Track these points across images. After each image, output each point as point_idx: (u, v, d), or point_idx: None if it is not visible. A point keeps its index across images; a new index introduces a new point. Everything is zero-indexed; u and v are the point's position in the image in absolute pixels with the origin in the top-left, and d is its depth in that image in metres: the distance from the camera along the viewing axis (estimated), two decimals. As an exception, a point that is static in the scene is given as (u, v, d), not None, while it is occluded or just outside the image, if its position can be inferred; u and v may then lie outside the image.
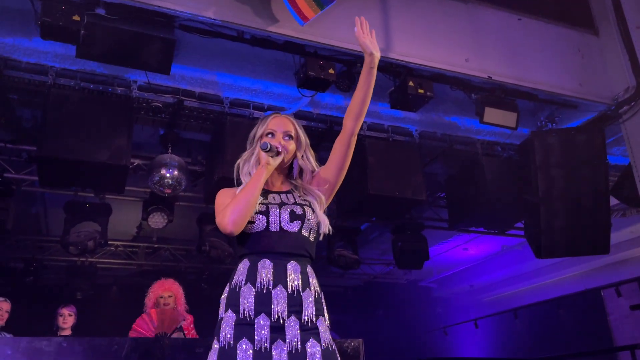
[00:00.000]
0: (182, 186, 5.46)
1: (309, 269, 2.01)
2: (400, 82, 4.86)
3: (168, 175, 5.33)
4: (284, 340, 1.83)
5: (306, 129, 6.06)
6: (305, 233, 2.01)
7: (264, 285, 1.90)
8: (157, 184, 5.36)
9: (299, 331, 1.86)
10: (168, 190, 5.43)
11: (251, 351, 1.80)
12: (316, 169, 2.23)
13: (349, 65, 4.77)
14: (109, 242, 7.28)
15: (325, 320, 1.99)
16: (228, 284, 2.00)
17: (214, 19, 4.18)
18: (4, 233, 5.38)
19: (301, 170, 2.20)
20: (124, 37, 4.08)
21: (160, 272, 7.01)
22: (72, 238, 5.77)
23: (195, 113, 5.31)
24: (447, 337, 11.00)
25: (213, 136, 5.51)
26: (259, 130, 2.16)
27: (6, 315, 4.89)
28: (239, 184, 2.17)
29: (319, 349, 1.86)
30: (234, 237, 2.01)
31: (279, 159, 2.06)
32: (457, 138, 6.03)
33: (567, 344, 8.62)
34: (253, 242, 1.98)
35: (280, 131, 2.14)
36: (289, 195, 2.11)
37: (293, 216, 2.00)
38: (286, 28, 4.33)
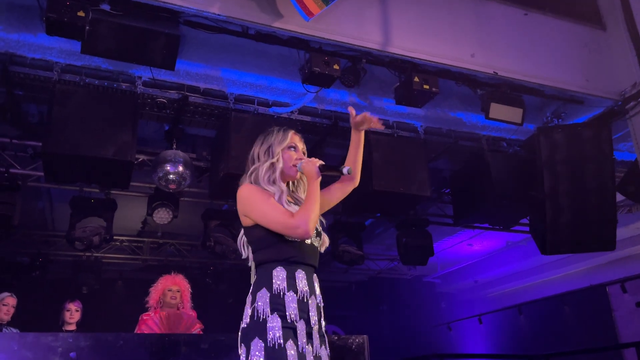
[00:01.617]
0: (186, 182, 5.47)
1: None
2: (406, 77, 4.85)
3: (173, 171, 5.34)
4: (312, 346, 2.09)
5: (311, 125, 6.09)
6: (321, 249, 2.29)
7: (303, 294, 2.12)
8: (162, 179, 5.36)
9: (318, 338, 2.14)
10: (173, 186, 5.43)
11: (295, 353, 1.99)
12: None
13: (354, 60, 4.75)
14: (114, 238, 7.30)
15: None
16: (264, 289, 2.10)
17: (218, 15, 4.17)
18: (10, 228, 5.39)
19: (299, 182, 2.41)
20: (128, 32, 4.08)
21: (165, 267, 7.05)
22: (78, 233, 5.79)
23: (200, 109, 5.31)
24: (452, 332, 11.01)
25: (218, 132, 5.51)
26: (280, 142, 2.32)
27: (12, 310, 4.92)
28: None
29: (327, 355, 2.16)
30: (268, 237, 2.15)
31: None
32: (462, 134, 6.01)
33: (571, 340, 8.60)
34: (290, 251, 2.15)
35: (300, 147, 2.37)
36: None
37: (317, 232, 2.25)
38: (291, 23, 4.32)
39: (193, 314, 4.61)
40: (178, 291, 4.57)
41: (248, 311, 2.11)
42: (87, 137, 4.50)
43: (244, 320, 2.11)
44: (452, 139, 6.03)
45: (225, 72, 5.03)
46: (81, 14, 3.78)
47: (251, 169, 2.34)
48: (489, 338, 10.62)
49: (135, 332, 4.33)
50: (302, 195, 2.36)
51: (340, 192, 2.43)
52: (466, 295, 11.64)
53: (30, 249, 7.91)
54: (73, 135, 4.46)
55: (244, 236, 2.31)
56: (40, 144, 5.01)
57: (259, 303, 2.07)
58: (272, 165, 2.28)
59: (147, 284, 4.68)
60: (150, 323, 4.34)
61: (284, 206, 2.17)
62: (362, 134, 2.47)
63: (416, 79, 4.77)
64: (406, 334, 10.07)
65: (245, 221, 2.25)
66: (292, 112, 5.37)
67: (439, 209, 7.30)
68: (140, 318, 4.41)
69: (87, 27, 3.86)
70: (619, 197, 5.84)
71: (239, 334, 2.12)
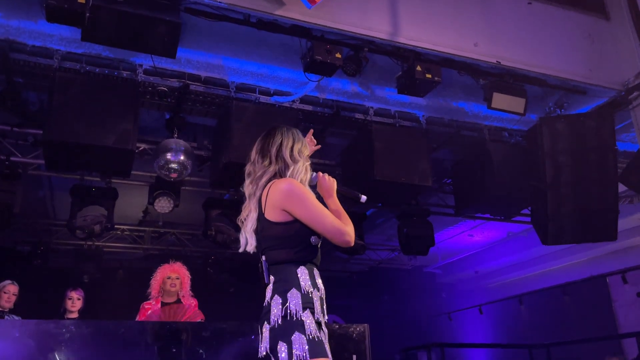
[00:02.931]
0: (187, 171, 5.46)
1: None
2: (408, 66, 4.82)
3: (174, 159, 5.32)
4: (325, 336, 2.21)
5: (312, 114, 6.06)
6: None
7: (322, 292, 2.26)
8: (163, 168, 5.35)
9: (326, 329, 2.26)
10: (174, 175, 5.42)
11: (327, 344, 2.16)
12: None
13: (355, 49, 4.72)
14: (115, 226, 7.31)
15: None
16: (294, 288, 2.18)
17: (219, 2, 4.14)
18: (10, 217, 5.39)
19: None
20: (129, 20, 4.05)
21: (166, 256, 7.04)
22: (79, 222, 5.78)
23: (201, 97, 5.29)
24: (452, 322, 11.05)
25: (219, 121, 5.49)
26: (305, 147, 2.43)
27: (14, 298, 4.93)
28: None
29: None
30: (294, 238, 2.23)
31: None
32: (464, 124, 5.99)
33: (572, 331, 8.63)
34: (312, 254, 2.27)
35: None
36: None
37: None
38: (293, 11, 4.29)
39: (194, 302, 4.62)
40: (177, 278, 4.58)
41: (279, 311, 2.15)
42: (87, 126, 4.49)
43: (274, 320, 2.14)
44: (454, 129, 6.01)
45: (227, 61, 5.00)
46: (82, 1, 3.74)
47: (289, 163, 2.34)
48: (490, 328, 10.66)
49: (136, 320, 4.34)
50: None
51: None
52: (467, 286, 11.66)
53: (31, 237, 7.93)
54: (74, 124, 4.45)
55: (263, 229, 2.29)
56: (41, 132, 5.00)
57: (292, 304, 2.15)
58: (307, 168, 2.38)
59: (148, 273, 4.69)
60: (151, 312, 4.35)
61: None
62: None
63: (418, 68, 4.74)
64: (407, 323, 10.11)
65: (278, 215, 2.24)
66: (293, 101, 5.35)
67: (440, 199, 7.29)
68: (141, 306, 4.43)
69: (88, 14, 3.83)
70: (621, 187, 5.83)
71: (268, 333, 2.14)
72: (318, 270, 2.30)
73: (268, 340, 2.13)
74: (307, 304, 2.16)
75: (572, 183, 5.35)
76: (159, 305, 4.46)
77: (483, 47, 4.98)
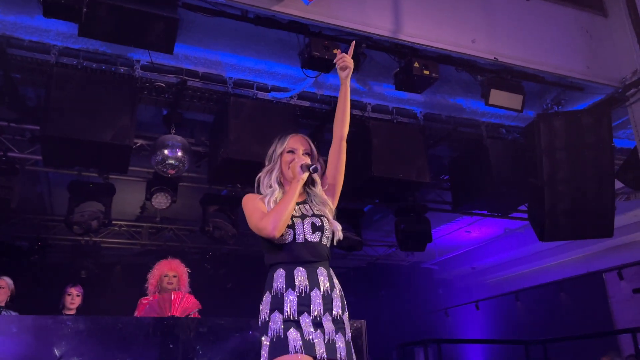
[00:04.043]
0: (185, 167, 5.45)
1: (332, 271, 2.37)
2: (406, 63, 4.81)
3: (171, 155, 5.32)
4: (323, 332, 2.18)
5: (310, 110, 6.04)
6: (324, 242, 2.35)
7: (302, 289, 2.23)
8: (161, 164, 5.35)
9: (332, 325, 2.23)
10: (171, 171, 5.42)
11: (300, 341, 2.12)
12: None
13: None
14: (113, 222, 7.30)
15: (347, 314, 2.34)
16: (267, 292, 2.28)
17: (217, -2, 4.13)
18: (8, 212, 5.39)
19: (313, 180, 2.51)
20: (126, 15, 4.03)
21: (163, 252, 7.05)
22: (76, 218, 5.78)
23: (199, 93, 5.27)
24: (449, 318, 11.08)
25: (216, 117, 5.49)
26: (278, 148, 2.50)
27: (7, 293, 4.85)
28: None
29: (342, 341, 2.22)
30: (265, 243, 2.34)
31: (307, 175, 2.39)
32: (461, 120, 5.99)
33: (568, 327, 8.67)
34: (283, 253, 2.30)
35: (301, 149, 2.48)
36: (306, 206, 2.42)
37: (314, 228, 2.33)
38: (291, 7, 4.28)
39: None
40: (175, 276, 4.57)
41: (259, 317, 2.28)
42: (85, 121, 4.48)
43: (259, 326, 2.28)
44: (452, 125, 6.01)
45: (224, 57, 4.99)
46: (78, -5, 3.73)
47: (257, 176, 2.52)
48: (486, 324, 10.69)
49: (134, 316, 4.34)
50: (318, 189, 2.49)
51: (335, 154, 2.53)
52: (463, 282, 11.69)
53: (28, 233, 7.92)
54: (71, 119, 4.44)
55: None
56: (38, 127, 4.98)
57: (263, 306, 2.27)
58: (269, 171, 2.49)
59: (146, 269, 4.68)
60: (149, 307, 4.35)
61: (270, 206, 2.33)
62: (347, 82, 2.52)
63: (416, 65, 4.73)
64: (404, 319, 10.14)
65: None
66: (291, 97, 5.35)
67: (438, 196, 7.30)
68: (139, 302, 4.43)
69: (85, 10, 3.81)
70: (618, 184, 5.85)
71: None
72: (307, 266, 2.28)
73: None
74: (276, 305, 2.21)
75: (569, 180, 5.36)
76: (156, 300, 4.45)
77: (481, 43, 4.98)
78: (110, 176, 5.98)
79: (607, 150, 5.39)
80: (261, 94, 5.30)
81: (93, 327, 3.35)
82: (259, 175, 2.51)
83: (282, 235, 2.27)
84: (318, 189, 2.49)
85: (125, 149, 4.69)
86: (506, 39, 5.14)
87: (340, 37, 4.62)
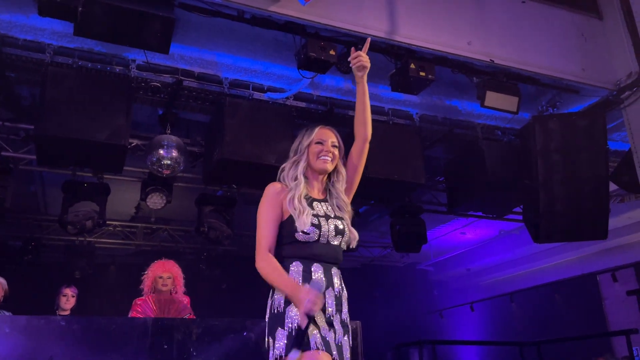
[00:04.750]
0: (180, 167, 5.44)
1: (341, 275, 2.37)
2: (402, 64, 4.81)
3: (166, 155, 5.30)
4: (335, 333, 2.18)
5: (306, 111, 6.04)
6: (343, 246, 2.37)
7: (320, 285, 2.15)
8: (156, 164, 5.33)
9: (340, 327, 2.23)
10: (166, 171, 5.40)
11: (317, 333, 2.10)
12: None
13: (349, 46, 4.70)
14: (107, 222, 7.27)
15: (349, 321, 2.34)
16: None
17: (214, -2, 4.12)
18: (2, 212, 5.35)
19: (337, 173, 2.50)
20: (122, 15, 4.01)
21: (158, 253, 7.04)
22: (70, 217, 5.75)
23: (195, 93, 5.26)
24: (444, 319, 11.09)
25: (212, 117, 5.48)
26: (305, 140, 2.47)
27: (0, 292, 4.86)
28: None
29: (348, 346, 2.24)
30: (285, 237, 2.29)
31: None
32: (457, 122, 6.00)
33: (562, 328, 8.70)
34: (304, 249, 2.26)
35: (329, 141, 2.47)
36: (327, 205, 2.41)
37: (337, 231, 2.32)
38: (287, 8, 4.27)
39: (186, 300, 4.61)
40: (169, 278, 4.55)
41: (268, 304, 2.24)
42: (80, 121, 4.46)
43: (266, 315, 2.24)
44: (448, 127, 6.02)
45: (220, 57, 4.98)
46: (74, -6, 3.72)
47: (282, 166, 2.48)
48: (481, 325, 10.71)
49: (128, 316, 4.33)
50: (340, 186, 2.48)
51: (356, 155, 2.55)
52: (458, 283, 11.71)
53: (22, 232, 7.87)
54: (66, 119, 4.42)
55: None
56: (33, 126, 4.96)
57: (276, 296, 2.20)
58: (295, 162, 2.43)
59: (140, 269, 4.67)
60: (143, 308, 4.33)
61: (293, 204, 2.27)
62: (364, 82, 2.49)
63: (412, 66, 4.74)
64: (399, 320, 10.14)
65: None
66: (287, 97, 5.34)
67: (433, 197, 7.31)
68: (133, 302, 4.41)
69: (80, 9, 3.79)
70: (612, 186, 5.87)
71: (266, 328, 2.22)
72: (324, 265, 2.27)
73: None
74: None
75: (564, 181, 5.38)
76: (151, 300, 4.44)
77: (477, 45, 4.99)
78: (105, 176, 5.95)
79: (601, 153, 5.41)
80: (257, 95, 5.29)
81: (87, 327, 3.33)
82: (284, 165, 2.46)
83: (308, 233, 2.24)
84: (340, 186, 2.47)
85: (121, 148, 4.67)
86: (502, 41, 5.15)
87: (337, 38, 4.62)
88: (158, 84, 5.04)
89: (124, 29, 4.12)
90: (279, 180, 2.43)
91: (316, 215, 2.29)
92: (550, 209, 5.38)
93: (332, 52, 4.51)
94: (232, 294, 8.66)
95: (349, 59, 2.46)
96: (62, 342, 3.21)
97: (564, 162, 5.38)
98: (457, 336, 10.88)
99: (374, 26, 4.63)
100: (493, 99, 5.07)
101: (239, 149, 4.84)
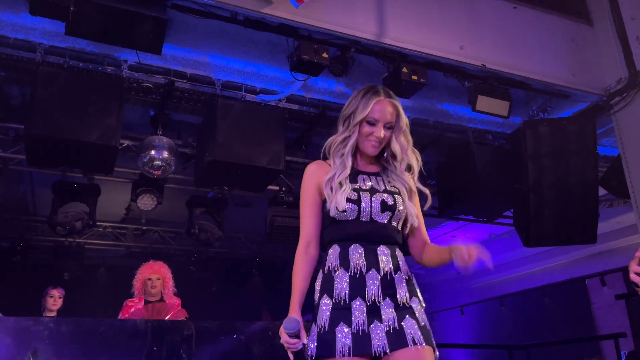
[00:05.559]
0: (171, 168, 5.42)
1: (399, 253, 2.06)
2: (394, 68, 4.83)
3: (158, 157, 5.28)
4: (381, 322, 1.88)
5: (298, 114, 6.03)
6: (394, 223, 2.05)
7: (357, 270, 1.93)
8: (147, 165, 5.31)
9: (394, 312, 1.91)
10: (157, 172, 5.38)
11: (350, 334, 1.84)
12: (409, 157, 2.18)
13: (342, 49, 4.73)
14: (97, 223, 7.23)
15: (420, 301, 2.03)
16: (321, 271, 2.03)
17: (207, -1, 4.11)
18: (-10, 212, 5.32)
19: (394, 156, 2.15)
20: (114, 15, 4.00)
21: (148, 254, 7.00)
22: (60, 218, 5.71)
23: (187, 94, 5.25)
24: (434, 322, 11.11)
25: (204, 118, 5.46)
26: (359, 113, 2.06)
27: None
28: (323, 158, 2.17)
29: (416, 325, 1.90)
30: (327, 219, 2.03)
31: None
32: (449, 126, 6.02)
33: (552, 332, 8.74)
34: (343, 230, 2.00)
35: (383, 122, 2.08)
36: (378, 178, 2.10)
37: (384, 206, 2.01)
38: (280, 10, 4.27)
39: (177, 301, 4.59)
40: (158, 279, 4.54)
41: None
42: (70, 121, 4.43)
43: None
44: (439, 131, 6.04)
45: (213, 58, 4.97)
46: (66, -6, 3.70)
47: (330, 139, 2.14)
48: (471, 329, 10.74)
49: (119, 317, 4.30)
50: (398, 172, 2.15)
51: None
52: (449, 287, 11.73)
53: (11, 233, 7.81)
54: (56, 119, 4.39)
55: None
56: (23, 126, 4.92)
57: (316, 284, 2.01)
58: (346, 138, 2.09)
59: (130, 271, 4.65)
60: (134, 310, 4.31)
61: (330, 184, 2.00)
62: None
63: (404, 70, 4.75)
64: (389, 323, 10.13)
65: None
66: (279, 100, 5.34)
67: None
68: (124, 304, 4.40)
69: (72, 8, 3.77)
70: (601, 191, 5.91)
71: None
72: (367, 245, 1.97)
73: None
74: (326, 286, 1.96)
75: (554, 186, 5.41)
76: (142, 303, 4.42)
77: (469, 49, 5.02)
78: (95, 177, 5.92)
79: (591, 158, 5.45)
80: (249, 96, 5.28)
81: (76, 329, 3.31)
82: (334, 137, 2.13)
83: (345, 211, 1.96)
84: (399, 166, 2.13)
85: (111, 149, 4.65)
86: (494, 46, 5.19)
87: (330, 41, 4.63)
88: (150, 85, 5.02)
89: (116, 29, 4.10)
90: (326, 155, 2.13)
91: (357, 190, 2.00)
92: (541, 212, 5.42)
93: (324, 55, 4.52)
94: (223, 296, 8.63)
95: (460, 255, 2.06)
96: (50, 344, 3.18)
97: (554, 167, 5.42)
98: (447, 339, 10.89)
99: (367, 29, 4.64)
100: (484, 103, 5.10)
101: (231, 151, 4.82)
